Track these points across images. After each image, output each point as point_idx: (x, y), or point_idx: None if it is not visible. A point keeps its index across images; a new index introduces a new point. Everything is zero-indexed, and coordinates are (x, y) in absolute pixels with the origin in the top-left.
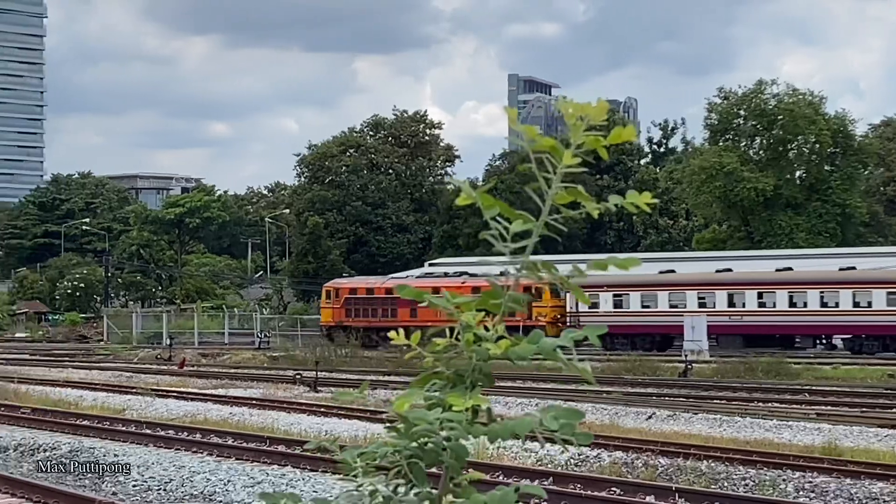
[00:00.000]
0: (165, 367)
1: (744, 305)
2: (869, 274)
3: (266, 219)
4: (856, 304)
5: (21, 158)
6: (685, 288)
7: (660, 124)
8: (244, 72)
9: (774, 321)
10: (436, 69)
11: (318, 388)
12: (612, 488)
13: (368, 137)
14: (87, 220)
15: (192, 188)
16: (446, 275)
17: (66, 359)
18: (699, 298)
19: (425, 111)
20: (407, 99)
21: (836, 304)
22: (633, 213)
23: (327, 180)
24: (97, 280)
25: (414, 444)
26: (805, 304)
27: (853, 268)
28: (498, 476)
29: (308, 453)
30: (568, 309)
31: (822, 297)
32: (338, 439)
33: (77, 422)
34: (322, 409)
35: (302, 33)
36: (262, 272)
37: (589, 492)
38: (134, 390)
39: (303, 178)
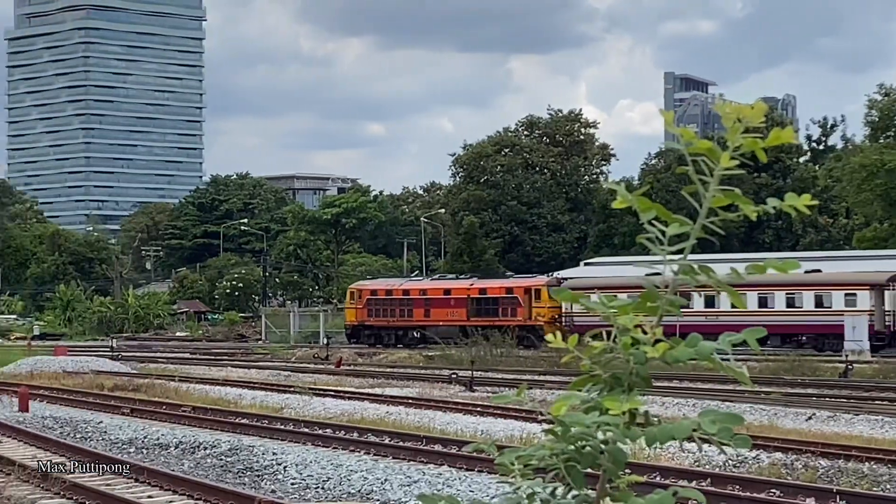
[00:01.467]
0: (322, 367)
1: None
2: None
3: (421, 218)
4: None
5: (181, 160)
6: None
7: (819, 122)
8: (399, 72)
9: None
10: (591, 68)
11: (475, 388)
12: (772, 490)
13: (523, 137)
14: (245, 220)
15: (349, 188)
16: (457, 277)
17: (226, 358)
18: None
19: (580, 110)
20: (562, 98)
21: None
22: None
23: (482, 180)
24: (255, 280)
25: (571, 446)
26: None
27: None
28: (654, 477)
29: (465, 453)
30: (564, 309)
31: None
32: (495, 442)
33: (236, 420)
34: (478, 409)
35: (456, 33)
36: (417, 272)
37: (748, 493)
38: (292, 389)
39: (458, 178)
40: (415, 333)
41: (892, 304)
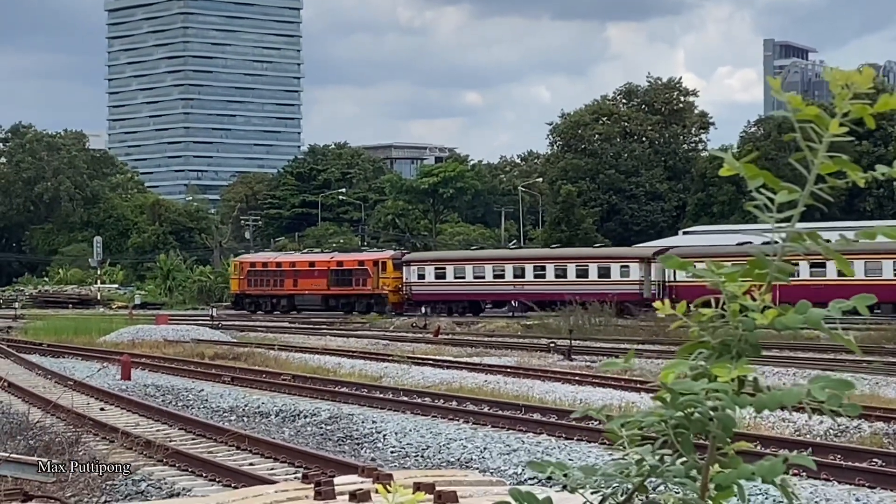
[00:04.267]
0: (421, 336)
1: None
2: None
3: (519, 188)
4: None
5: (279, 130)
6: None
7: None
8: (495, 41)
9: None
10: (689, 35)
11: (573, 357)
12: (874, 459)
13: (621, 105)
14: (344, 189)
15: (446, 157)
16: (322, 251)
17: (324, 327)
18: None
19: (679, 78)
20: (660, 66)
21: None
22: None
23: (580, 149)
24: (354, 249)
25: (680, 413)
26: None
27: None
28: (756, 446)
29: (563, 422)
30: (404, 279)
31: None
32: (605, 408)
33: (336, 388)
34: (576, 378)
35: (551, 1)
36: (515, 241)
37: (849, 462)
38: (390, 358)
39: (555, 147)
40: (283, 301)
41: None
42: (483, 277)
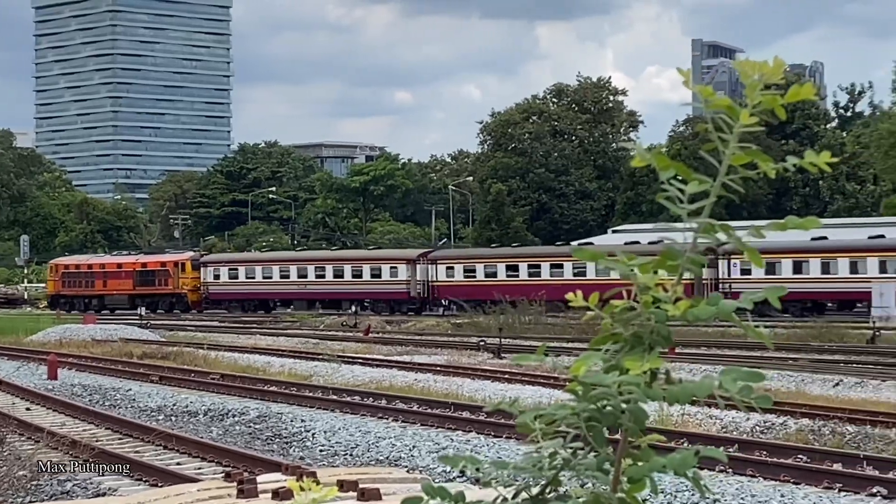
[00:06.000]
0: (351, 334)
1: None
2: None
3: (449, 186)
4: None
5: (209, 128)
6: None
7: (846, 88)
8: (425, 39)
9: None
10: (618, 34)
11: (503, 355)
12: (799, 455)
13: (551, 104)
14: (274, 188)
15: (376, 156)
16: (129, 254)
17: (254, 326)
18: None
19: (609, 77)
20: (589, 65)
21: None
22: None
23: (510, 147)
24: (283, 248)
25: (593, 406)
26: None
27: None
28: (682, 442)
29: (492, 420)
30: (202, 280)
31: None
32: (517, 402)
33: (265, 387)
34: (506, 376)
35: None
36: (445, 240)
37: (775, 459)
38: (320, 357)
39: (486, 146)
40: (94, 301)
41: None
42: (271, 278)
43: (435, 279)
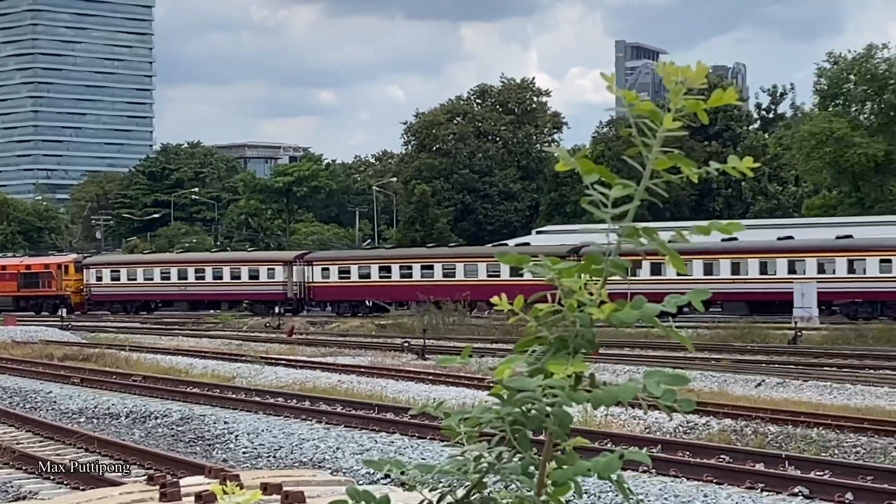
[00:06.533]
0: (274, 335)
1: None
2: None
3: (373, 187)
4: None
5: (131, 129)
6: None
7: (769, 90)
8: (349, 40)
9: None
10: (542, 36)
11: (427, 356)
12: (722, 456)
13: (475, 105)
14: (197, 189)
15: (300, 157)
16: (14, 255)
17: (177, 327)
18: None
19: (532, 78)
20: (513, 66)
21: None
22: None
23: (434, 148)
24: (206, 249)
25: (517, 409)
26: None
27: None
28: (606, 443)
29: (416, 421)
30: (85, 282)
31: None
32: (442, 404)
33: (187, 389)
34: (430, 377)
35: (405, 1)
36: (369, 240)
37: (698, 459)
38: (243, 358)
39: (410, 147)
40: None
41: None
42: (152, 279)
43: (311, 280)
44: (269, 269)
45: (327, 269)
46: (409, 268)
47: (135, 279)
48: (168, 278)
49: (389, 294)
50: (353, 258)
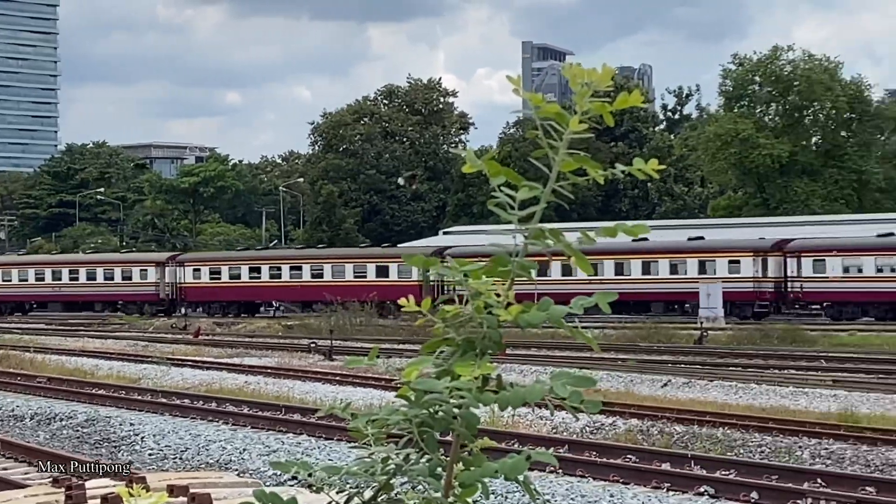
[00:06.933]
0: (181, 336)
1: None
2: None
3: (280, 188)
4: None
5: (35, 128)
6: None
7: (674, 91)
8: (255, 40)
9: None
10: (449, 36)
11: (334, 357)
12: (628, 455)
13: (382, 106)
14: (102, 189)
15: (206, 157)
16: None
17: (82, 328)
18: None
19: (439, 79)
20: (420, 66)
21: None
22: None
23: (341, 149)
24: (113, 249)
25: (425, 411)
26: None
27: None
28: (513, 444)
29: (323, 422)
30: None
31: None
32: (349, 406)
33: (93, 391)
34: (337, 378)
35: (311, 1)
36: (276, 241)
37: (604, 459)
38: (149, 359)
39: (317, 147)
40: None
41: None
42: (27, 280)
43: (182, 281)
44: (141, 269)
45: (199, 270)
46: (279, 269)
47: (10, 280)
48: (43, 279)
49: (258, 294)
50: (223, 259)
